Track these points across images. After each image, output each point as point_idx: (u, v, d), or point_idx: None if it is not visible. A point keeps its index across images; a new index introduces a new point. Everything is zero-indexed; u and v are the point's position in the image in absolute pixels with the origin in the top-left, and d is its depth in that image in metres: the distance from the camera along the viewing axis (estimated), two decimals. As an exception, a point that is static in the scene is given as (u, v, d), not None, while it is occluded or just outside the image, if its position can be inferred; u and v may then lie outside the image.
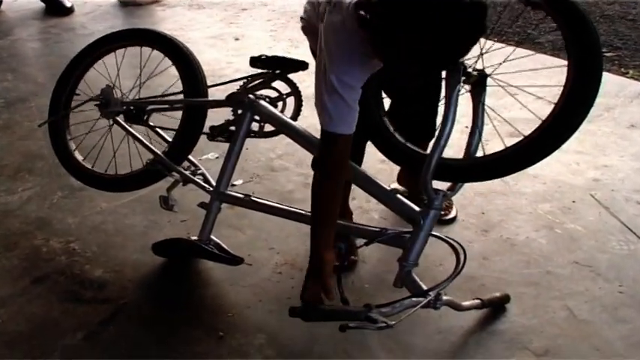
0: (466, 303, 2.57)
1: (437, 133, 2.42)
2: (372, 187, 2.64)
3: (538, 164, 3.33)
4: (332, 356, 2.48)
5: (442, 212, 3.02)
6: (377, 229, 2.58)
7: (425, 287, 2.40)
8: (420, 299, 2.33)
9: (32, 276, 2.88)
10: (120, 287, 2.81)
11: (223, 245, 2.85)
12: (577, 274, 2.86)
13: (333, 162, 2.33)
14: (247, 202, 2.85)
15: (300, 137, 2.73)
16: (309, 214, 2.44)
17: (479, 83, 2.45)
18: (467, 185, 3.36)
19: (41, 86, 4.66)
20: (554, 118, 2.39)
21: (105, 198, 3.38)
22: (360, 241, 2.97)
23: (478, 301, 2.62)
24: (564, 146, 3.65)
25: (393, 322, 2.18)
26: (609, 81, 4.66)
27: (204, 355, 2.48)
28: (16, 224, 3.22)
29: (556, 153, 3.60)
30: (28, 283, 2.84)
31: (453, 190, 2.58)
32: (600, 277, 2.83)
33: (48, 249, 3.05)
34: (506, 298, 2.72)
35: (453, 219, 3.25)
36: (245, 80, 2.90)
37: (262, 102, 2.85)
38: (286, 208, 2.78)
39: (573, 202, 3.33)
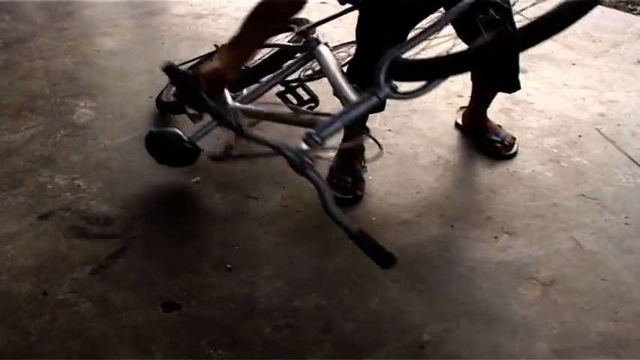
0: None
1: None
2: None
3: (544, 100, 3.34)
4: (339, 286, 2.48)
5: (505, 145, 3.19)
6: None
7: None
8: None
9: (38, 212, 2.87)
10: (127, 223, 2.81)
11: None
12: (583, 206, 2.86)
13: None
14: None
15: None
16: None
17: None
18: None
19: (39, 26, 4.60)
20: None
21: (108, 135, 3.37)
22: (366, 176, 2.99)
23: None
24: (570, 82, 3.70)
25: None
26: (617, 17, 4.63)
27: (213, 287, 2.48)
28: (20, 162, 3.20)
29: (562, 88, 3.65)
30: (35, 219, 2.83)
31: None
32: (606, 210, 2.84)
33: (53, 186, 3.03)
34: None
35: (514, 154, 3.22)
36: None
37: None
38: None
39: (579, 136, 3.32)
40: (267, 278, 2.52)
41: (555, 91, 3.67)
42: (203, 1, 4.65)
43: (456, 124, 3.39)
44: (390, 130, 3.36)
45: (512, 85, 3.10)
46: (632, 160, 3.14)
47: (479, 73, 3.07)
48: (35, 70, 4.00)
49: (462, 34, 2.66)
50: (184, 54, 4.06)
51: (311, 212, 2.81)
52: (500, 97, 3.48)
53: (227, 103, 2.59)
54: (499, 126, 3.27)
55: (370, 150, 2.97)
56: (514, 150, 3.21)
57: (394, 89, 2.31)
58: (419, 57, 2.37)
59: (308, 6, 2.42)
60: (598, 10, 4.58)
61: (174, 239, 2.72)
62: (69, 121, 3.51)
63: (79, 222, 2.82)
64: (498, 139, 3.20)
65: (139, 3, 4.93)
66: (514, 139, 3.25)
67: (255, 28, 2.50)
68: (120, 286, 2.49)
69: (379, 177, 3.03)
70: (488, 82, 3.10)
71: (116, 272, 2.56)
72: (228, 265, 2.56)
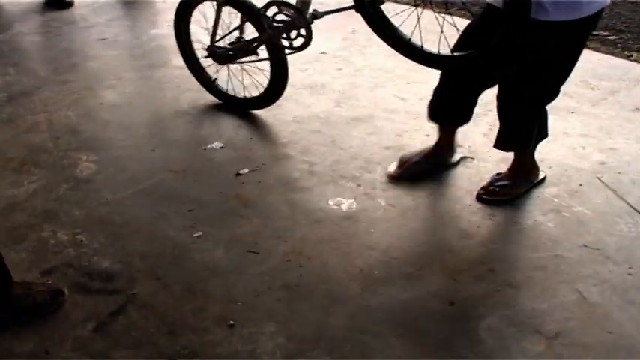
0: None
1: None
2: None
3: (544, 149, 3.36)
4: (343, 342, 2.47)
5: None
6: None
7: None
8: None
9: (41, 268, 2.87)
10: (128, 278, 2.80)
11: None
12: (586, 257, 2.86)
13: None
14: None
15: None
16: None
17: None
18: (475, 169, 3.40)
19: (44, 79, 4.64)
20: None
21: (110, 189, 3.38)
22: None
23: None
24: (569, 130, 3.72)
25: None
26: (614, 64, 4.66)
27: (216, 344, 2.47)
28: (23, 217, 3.21)
29: (562, 136, 3.67)
30: (38, 275, 2.83)
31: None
32: (609, 260, 2.83)
33: (56, 241, 3.04)
34: None
35: (543, 179, 3.37)
36: None
37: None
38: None
39: (580, 185, 3.33)
40: (269, 334, 2.51)
41: (555, 140, 3.68)
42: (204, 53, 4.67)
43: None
44: (389, 182, 3.38)
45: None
46: (634, 208, 3.14)
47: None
48: (39, 124, 4.03)
49: None
50: (186, 107, 4.11)
51: (313, 266, 2.81)
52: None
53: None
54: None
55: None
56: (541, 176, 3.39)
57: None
58: None
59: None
60: (595, 57, 4.66)
61: (176, 295, 2.72)
62: (71, 175, 3.52)
63: (81, 278, 2.81)
64: None
65: (141, 56, 4.97)
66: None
67: None
68: (122, 344, 2.48)
69: (381, 230, 3.03)
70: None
71: (118, 329, 2.55)
72: (231, 322, 2.56)
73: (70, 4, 6.20)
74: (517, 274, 2.76)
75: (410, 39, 2.95)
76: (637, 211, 3.13)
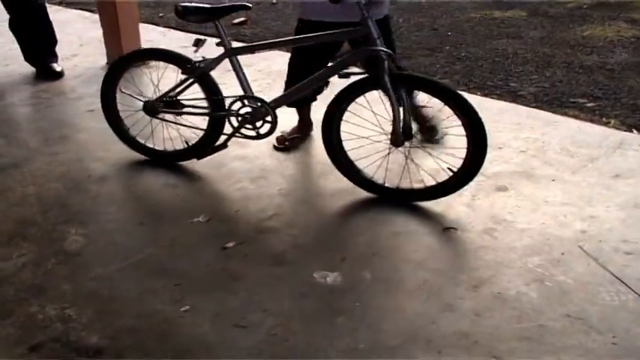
0: None
1: None
2: None
3: (525, 219, 3.42)
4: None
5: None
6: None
7: None
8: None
9: (28, 344, 2.88)
10: (117, 354, 2.81)
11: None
12: (569, 327, 2.88)
13: None
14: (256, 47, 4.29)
15: None
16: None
17: None
18: (458, 240, 3.44)
19: (34, 151, 4.69)
20: None
21: (99, 263, 3.40)
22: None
23: None
24: (551, 198, 3.78)
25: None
26: (592, 131, 4.74)
27: (203, 421, 2.49)
28: (11, 291, 3.23)
29: (543, 205, 3.73)
30: (25, 351, 2.83)
31: None
32: (593, 330, 2.86)
33: (44, 316, 3.05)
34: None
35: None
36: None
37: None
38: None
39: (562, 254, 3.37)
40: (256, 410, 2.53)
41: (537, 209, 3.74)
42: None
43: None
44: (374, 254, 3.42)
45: None
46: (616, 277, 3.18)
47: None
48: (28, 196, 4.06)
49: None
50: (173, 179, 4.16)
51: (299, 341, 2.83)
52: (483, 216, 3.58)
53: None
54: None
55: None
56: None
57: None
58: None
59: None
60: (574, 125, 4.74)
61: (164, 372, 2.74)
62: (60, 248, 3.55)
63: (70, 354, 2.82)
64: None
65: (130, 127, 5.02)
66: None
67: None
68: (110, 422, 2.50)
69: (366, 302, 3.06)
70: None
71: (107, 407, 2.57)
72: (218, 398, 2.58)
73: (61, 75, 6.30)
74: (501, 346, 2.78)
75: None
76: (619, 279, 3.16)
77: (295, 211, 3.82)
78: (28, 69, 6.46)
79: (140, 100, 4.41)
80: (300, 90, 4.00)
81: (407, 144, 3.75)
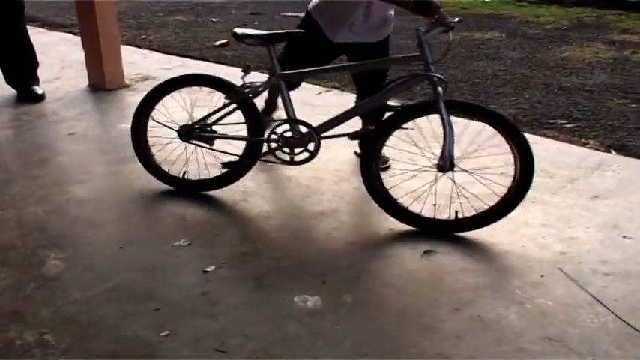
0: None
1: None
2: None
3: (506, 240, 3.43)
4: None
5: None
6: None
7: None
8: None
9: (6, 371, 2.87)
10: (95, 380, 2.81)
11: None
12: (549, 349, 2.89)
13: None
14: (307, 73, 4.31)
15: None
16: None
17: None
18: (438, 262, 3.45)
19: (14, 174, 4.67)
20: None
21: (78, 287, 3.38)
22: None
23: None
24: (530, 220, 3.80)
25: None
26: (571, 152, 4.77)
27: None
28: (-11, 317, 3.21)
29: (523, 227, 3.74)
30: (3, 379, 2.83)
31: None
32: (573, 352, 2.86)
33: (22, 342, 3.03)
34: None
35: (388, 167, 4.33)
36: None
37: None
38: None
39: (542, 276, 3.38)
40: None
41: (517, 230, 3.76)
42: (171, 147, 4.72)
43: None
44: (355, 278, 3.43)
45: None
46: (595, 298, 3.20)
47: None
48: (7, 220, 4.04)
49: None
50: (153, 202, 4.15)
51: (280, 365, 2.83)
52: (463, 239, 3.59)
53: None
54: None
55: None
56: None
57: None
58: None
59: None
60: (553, 146, 4.77)
61: (143, 398, 2.72)
62: (39, 273, 3.52)
63: (49, 380, 2.81)
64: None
65: (110, 150, 5.03)
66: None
67: None
68: None
69: (346, 326, 3.06)
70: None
71: None
72: (200, 424, 2.56)
73: (42, 97, 6.29)
74: (481, 369, 2.79)
75: None
76: (599, 301, 3.18)
77: (276, 234, 3.83)
78: (10, 91, 6.46)
79: (172, 129, 4.35)
80: (347, 115, 3.99)
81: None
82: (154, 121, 4.40)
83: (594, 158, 4.66)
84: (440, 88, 3.58)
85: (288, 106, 4.04)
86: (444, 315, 3.12)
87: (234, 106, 4.11)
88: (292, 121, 4.03)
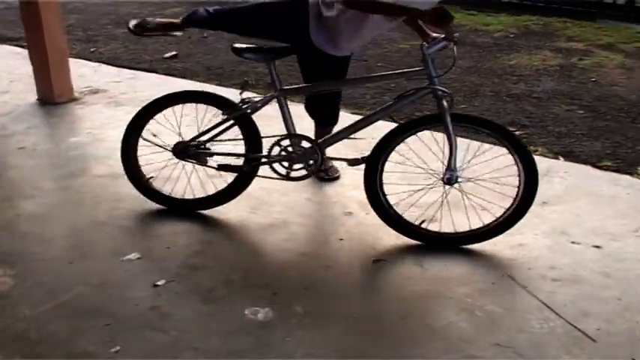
0: None
1: None
2: None
3: (454, 248, 3.46)
4: None
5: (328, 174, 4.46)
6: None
7: None
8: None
9: (-47, 392, 2.83)
10: (45, 398, 2.79)
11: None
12: (499, 355, 2.92)
13: None
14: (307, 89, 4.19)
15: None
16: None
17: None
18: (387, 273, 3.48)
19: (-38, 192, 4.62)
20: None
21: (27, 304, 3.35)
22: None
23: None
24: (479, 227, 3.81)
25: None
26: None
27: None
28: (-63, 338, 3.17)
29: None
30: (-50, 400, 2.80)
31: None
32: (523, 358, 2.90)
33: (-30, 362, 3.01)
34: None
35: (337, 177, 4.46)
36: None
37: None
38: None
39: (491, 283, 3.43)
40: None
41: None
42: (160, 165, 4.71)
43: None
44: (305, 289, 3.44)
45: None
46: (544, 304, 3.24)
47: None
48: (-43, 237, 4.00)
49: None
50: (104, 216, 4.12)
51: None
52: (412, 248, 3.61)
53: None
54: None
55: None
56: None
57: None
58: None
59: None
60: (500, 153, 4.79)
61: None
62: (-12, 291, 3.49)
63: (-3, 400, 2.78)
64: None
65: (60, 164, 4.97)
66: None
67: None
68: None
69: (297, 338, 3.06)
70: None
71: None
72: None
73: (-10, 112, 6.21)
74: (432, 377, 2.81)
75: None
76: (548, 306, 3.22)
77: (226, 246, 3.82)
78: (-44, 106, 6.37)
79: (165, 148, 4.21)
80: (352, 128, 3.95)
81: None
82: (145, 140, 4.29)
83: (543, 165, 4.68)
84: (445, 102, 3.60)
85: (289, 121, 3.99)
86: (393, 324, 3.14)
87: (230, 122, 4.02)
88: (294, 135, 4.00)
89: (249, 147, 4.04)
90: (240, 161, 4.12)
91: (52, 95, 6.36)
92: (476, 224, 3.78)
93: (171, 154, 4.18)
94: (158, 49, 8.39)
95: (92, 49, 8.56)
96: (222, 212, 4.14)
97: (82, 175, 4.71)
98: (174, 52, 8.14)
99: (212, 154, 4.16)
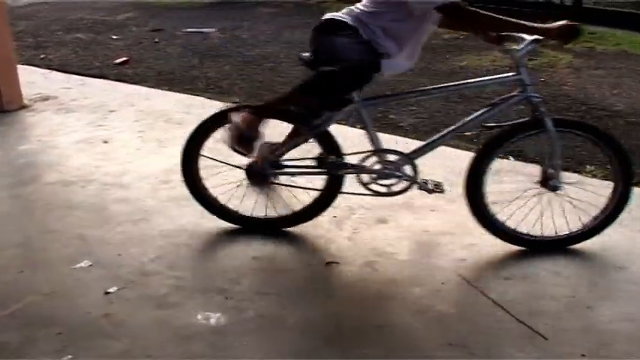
0: None
1: None
2: None
3: (401, 249, 3.47)
4: None
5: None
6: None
7: None
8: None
9: None
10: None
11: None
12: (452, 355, 2.94)
13: None
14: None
15: None
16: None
17: None
18: (340, 275, 3.48)
19: None
20: None
21: (-22, 315, 3.32)
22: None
23: None
24: (430, 228, 3.85)
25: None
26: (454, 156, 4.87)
27: None
28: None
29: (423, 235, 3.80)
30: None
31: None
32: (475, 356, 2.92)
33: None
34: None
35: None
36: None
37: None
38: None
39: (442, 283, 3.45)
40: None
41: (417, 239, 3.83)
42: (72, 167, 4.67)
43: None
44: (257, 293, 3.43)
45: None
46: (496, 303, 3.27)
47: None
48: None
49: None
50: (55, 224, 4.08)
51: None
52: (364, 249, 3.63)
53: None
54: None
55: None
56: None
57: None
58: None
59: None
60: (453, 154, 4.84)
61: None
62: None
63: None
64: None
65: (10, 173, 4.91)
66: None
67: None
68: None
69: (251, 342, 3.06)
70: None
71: None
72: None
73: None
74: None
75: None
76: (499, 305, 3.25)
77: (177, 252, 3.79)
78: None
79: (238, 167, 3.95)
80: (443, 138, 3.86)
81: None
82: (210, 158, 3.99)
83: (494, 165, 4.74)
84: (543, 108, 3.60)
85: (373, 135, 3.76)
86: (347, 326, 3.14)
87: (307, 138, 3.81)
88: (382, 151, 3.78)
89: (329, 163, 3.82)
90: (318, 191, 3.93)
91: (1, 103, 6.29)
92: (575, 227, 3.82)
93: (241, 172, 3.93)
94: (108, 54, 8.35)
95: (42, 56, 8.50)
96: (175, 218, 4.13)
97: (33, 183, 4.66)
98: (125, 58, 8.10)
99: (294, 173, 3.95)
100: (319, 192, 3.90)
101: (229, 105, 4.13)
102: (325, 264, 3.62)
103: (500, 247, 3.75)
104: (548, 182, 3.70)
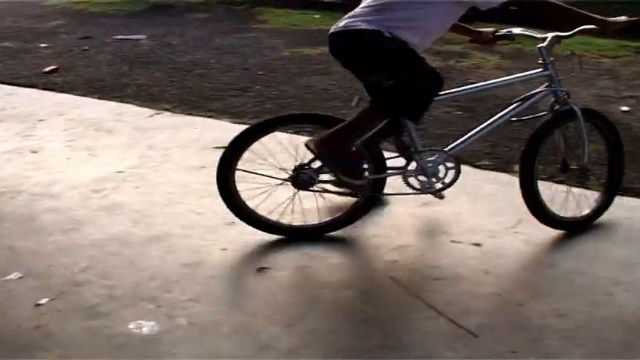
0: None
1: None
2: None
3: (337, 253, 3.49)
4: None
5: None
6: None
7: None
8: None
9: None
10: None
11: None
12: (385, 356, 2.97)
13: None
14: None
15: None
16: None
17: None
18: (272, 281, 3.50)
19: None
20: None
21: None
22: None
23: None
24: (362, 231, 3.88)
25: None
26: (400, 162, 4.85)
27: None
28: None
29: (355, 239, 3.82)
30: None
31: None
32: (410, 356, 2.95)
33: None
34: None
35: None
36: None
37: None
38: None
39: (374, 286, 3.48)
40: None
41: (349, 243, 3.87)
42: (0, 178, 4.59)
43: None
44: (189, 300, 3.41)
45: None
46: (427, 303, 3.30)
47: None
48: None
49: None
50: (-18, 238, 4.03)
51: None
52: (296, 254, 3.65)
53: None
54: None
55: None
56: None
57: None
58: None
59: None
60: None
61: None
62: None
63: None
64: None
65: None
66: None
67: None
68: None
69: (183, 350, 3.05)
70: None
71: None
72: None
73: None
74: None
75: None
76: (430, 306, 3.29)
77: (109, 261, 3.75)
78: None
79: (278, 178, 3.91)
80: (478, 134, 4.00)
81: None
82: (247, 172, 3.90)
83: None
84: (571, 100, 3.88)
85: (415, 137, 3.85)
86: (279, 331, 3.15)
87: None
88: (420, 152, 3.88)
89: (375, 168, 3.87)
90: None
91: None
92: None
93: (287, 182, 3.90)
94: (37, 63, 8.24)
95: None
96: (105, 227, 4.10)
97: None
98: (54, 67, 8.00)
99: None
100: (363, 195, 3.94)
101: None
102: (257, 270, 3.62)
103: (430, 248, 3.81)
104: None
